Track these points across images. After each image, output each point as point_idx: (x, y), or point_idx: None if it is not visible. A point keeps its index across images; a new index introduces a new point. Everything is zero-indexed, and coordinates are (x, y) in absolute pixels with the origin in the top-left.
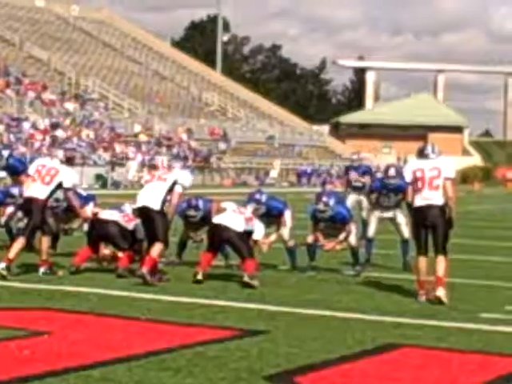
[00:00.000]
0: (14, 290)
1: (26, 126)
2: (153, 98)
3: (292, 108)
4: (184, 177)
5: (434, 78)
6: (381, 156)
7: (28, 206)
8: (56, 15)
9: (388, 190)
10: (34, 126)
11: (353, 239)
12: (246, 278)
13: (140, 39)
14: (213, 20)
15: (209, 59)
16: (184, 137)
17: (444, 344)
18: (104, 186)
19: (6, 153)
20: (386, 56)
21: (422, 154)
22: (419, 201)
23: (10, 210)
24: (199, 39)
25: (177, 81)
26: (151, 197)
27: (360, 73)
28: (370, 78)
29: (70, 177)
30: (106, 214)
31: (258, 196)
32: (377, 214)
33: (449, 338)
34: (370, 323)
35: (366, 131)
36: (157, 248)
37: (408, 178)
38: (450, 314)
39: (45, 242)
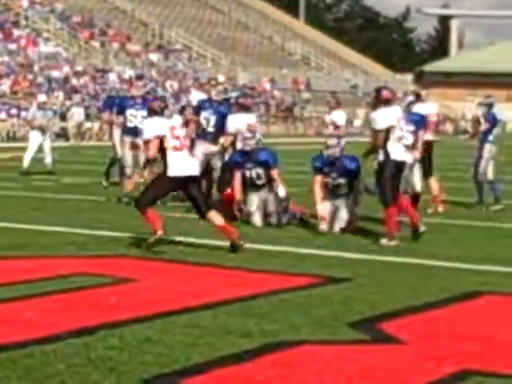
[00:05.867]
0: (101, 238)
1: (111, 76)
2: (236, 47)
3: (375, 57)
4: None
5: None
6: (465, 104)
7: None
8: None
9: None
10: (119, 77)
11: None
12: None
13: None
14: None
15: (292, 8)
16: (267, 86)
17: None
18: None
19: None
20: (473, 3)
21: None
22: None
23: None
24: None
25: (260, 30)
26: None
27: (444, 21)
28: (455, 25)
29: None
30: None
31: None
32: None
33: None
34: (454, 270)
35: (450, 79)
36: None
37: None
38: None
39: None
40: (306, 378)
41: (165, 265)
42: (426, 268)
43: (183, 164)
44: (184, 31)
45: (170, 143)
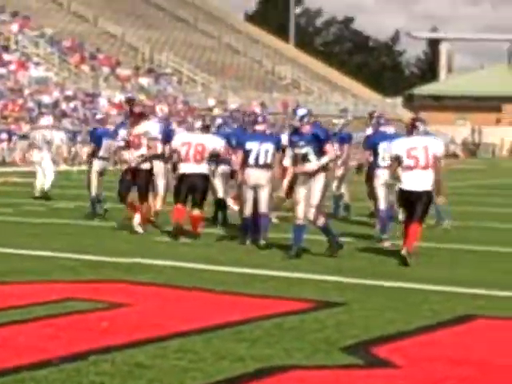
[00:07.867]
0: (91, 263)
1: (101, 101)
2: (225, 71)
3: (365, 80)
4: None
5: (509, 49)
6: (456, 128)
7: None
8: None
9: None
10: (109, 102)
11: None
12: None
13: (213, 13)
14: None
15: (282, 32)
16: (257, 110)
17: None
18: None
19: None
20: (464, 27)
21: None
22: None
23: None
24: (272, 12)
25: (250, 54)
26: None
27: (433, 44)
28: (444, 49)
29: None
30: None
31: None
32: None
33: None
34: (447, 294)
35: (440, 103)
36: None
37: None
38: None
39: None
40: None
41: (155, 289)
42: (418, 292)
43: None
44: (174, 55)
45: None
